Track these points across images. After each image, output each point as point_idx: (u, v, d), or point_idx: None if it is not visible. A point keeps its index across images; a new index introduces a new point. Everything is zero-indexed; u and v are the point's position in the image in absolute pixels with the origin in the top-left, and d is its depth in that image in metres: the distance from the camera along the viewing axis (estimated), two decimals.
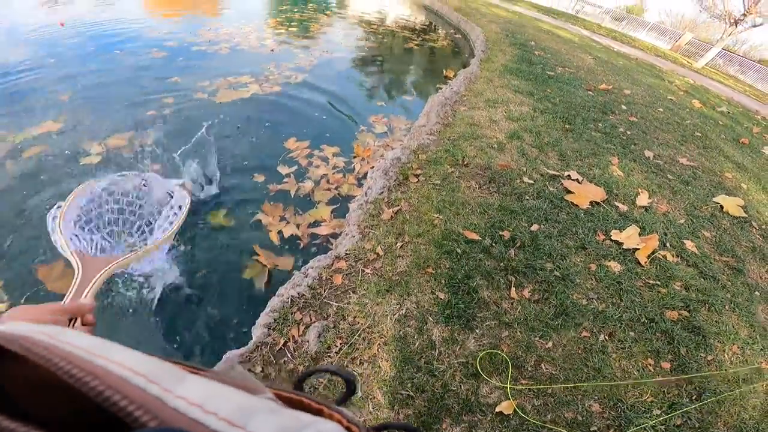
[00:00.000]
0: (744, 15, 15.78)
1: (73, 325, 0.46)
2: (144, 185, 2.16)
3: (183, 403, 0.18)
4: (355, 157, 3.28)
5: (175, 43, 5.82)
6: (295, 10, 9.71)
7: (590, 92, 5.71)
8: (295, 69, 5.24)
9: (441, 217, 2.55)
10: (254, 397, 0.22)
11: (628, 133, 4.44)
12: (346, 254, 2.22)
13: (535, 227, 2.64)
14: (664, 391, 1.93)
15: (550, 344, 2.00)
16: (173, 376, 0.20)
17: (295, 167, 3.10)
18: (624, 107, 5.38)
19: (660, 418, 1.80)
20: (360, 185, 2.95)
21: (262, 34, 6.93)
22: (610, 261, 2.53)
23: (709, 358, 2.18)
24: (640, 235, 2.74)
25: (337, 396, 0.44)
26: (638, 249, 2.63)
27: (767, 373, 2.19)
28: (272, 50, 5.90)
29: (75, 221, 1.82)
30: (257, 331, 1.84)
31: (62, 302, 0.45)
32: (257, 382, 0.27)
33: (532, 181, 3.05)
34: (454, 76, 5.52)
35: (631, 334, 2.15)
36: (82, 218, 1.91)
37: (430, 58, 7.50)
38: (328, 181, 2.95)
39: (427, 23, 11.12)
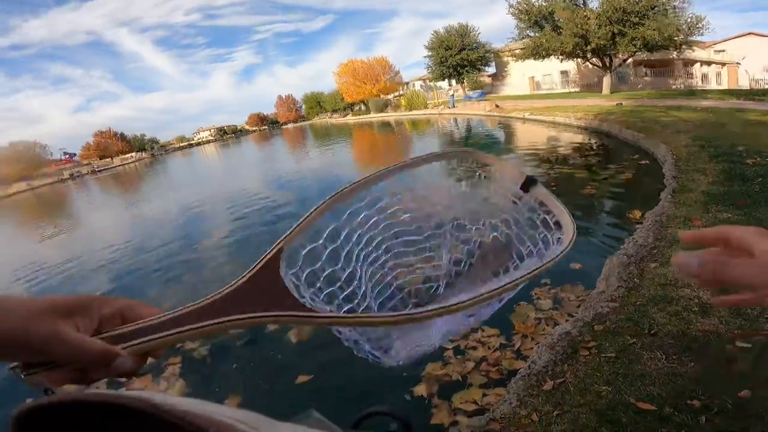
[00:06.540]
0: None
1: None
2: None
3: None
4: (515, 333, 3.12)
5: None
6: None
7: None
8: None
9: (609, 389, 2.37)
10: None
11: None
12: (501, 417, 2.43)
13: (744, 393, 2.08)
14: None
15: None
16: (267, 423, 0.23)
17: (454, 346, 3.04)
18: None
19: None
20: (519, 358, 2.89)
21: None
22: None
23: None
24: None
25: None
26: None
27: None
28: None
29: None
30: None
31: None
32: (334, 426, 0.44)
33: (749, 345, 2.42)
34: (641, 216, 4.53)
35: None
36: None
37: (613, 200, 6.18)
38: (487, 362, 2.90)
39: (603, 152, 9.65)
